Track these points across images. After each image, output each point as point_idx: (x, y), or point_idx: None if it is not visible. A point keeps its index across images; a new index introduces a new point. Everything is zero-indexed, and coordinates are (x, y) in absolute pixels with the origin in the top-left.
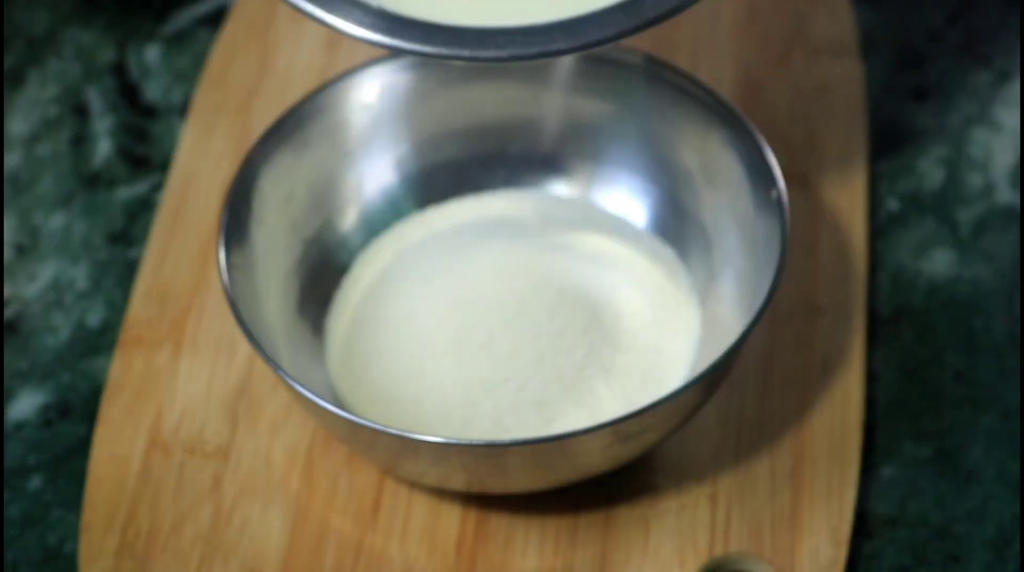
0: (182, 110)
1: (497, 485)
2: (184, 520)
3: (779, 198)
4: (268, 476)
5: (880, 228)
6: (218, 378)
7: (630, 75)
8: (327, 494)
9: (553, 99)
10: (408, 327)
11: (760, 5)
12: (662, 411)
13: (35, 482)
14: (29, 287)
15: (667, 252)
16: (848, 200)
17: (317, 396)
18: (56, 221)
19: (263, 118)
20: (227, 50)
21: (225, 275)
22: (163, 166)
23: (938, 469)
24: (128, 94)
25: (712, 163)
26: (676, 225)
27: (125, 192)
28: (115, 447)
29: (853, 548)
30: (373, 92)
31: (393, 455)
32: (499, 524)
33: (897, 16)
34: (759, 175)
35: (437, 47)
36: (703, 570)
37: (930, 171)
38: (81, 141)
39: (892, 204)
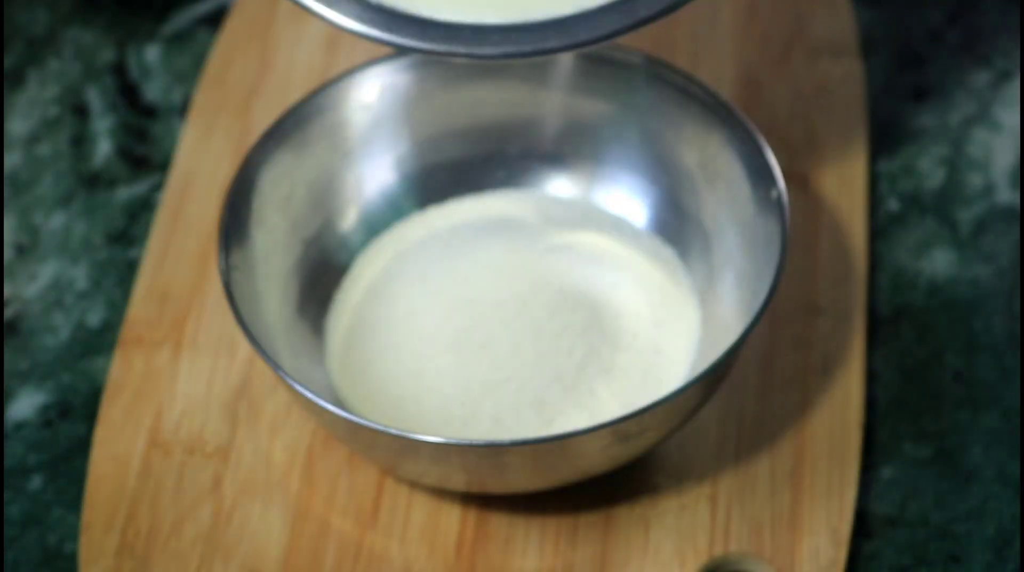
0: (182, 110)
1: (497, 485)
2: (184, 520)
3: (779, 198)
4: (268, 476)
5: (880, 228)
6: (218, 378)
7: (630, 75)
8: (327, 494)
9: (553, 99)
10: (408, 327)
11: (760, 5)
12: (662, 411)
13: (35, 482)
14: (29, 287)
15: (667, 252)
16: (848, 200)
17: (317, 396)
18: (56, 221)
19: (263, 118)
20: (227, 50)
21: (225, 275)
22: (163, 166)
23: (938, 469)
24: (128, 94)
25: (712, 163)
26: (676, 225)
27: (125, 192)
28: (115, 447)
29: (853, 548)
30: (373, 92)
31: (393, 455)
32: (499, 524)
33: (897, 16)
34: (759, 175)
35: (433, 44)
36: (703, 570)
37: (930, 171)
38: (81, 141)
39: (892, 204)
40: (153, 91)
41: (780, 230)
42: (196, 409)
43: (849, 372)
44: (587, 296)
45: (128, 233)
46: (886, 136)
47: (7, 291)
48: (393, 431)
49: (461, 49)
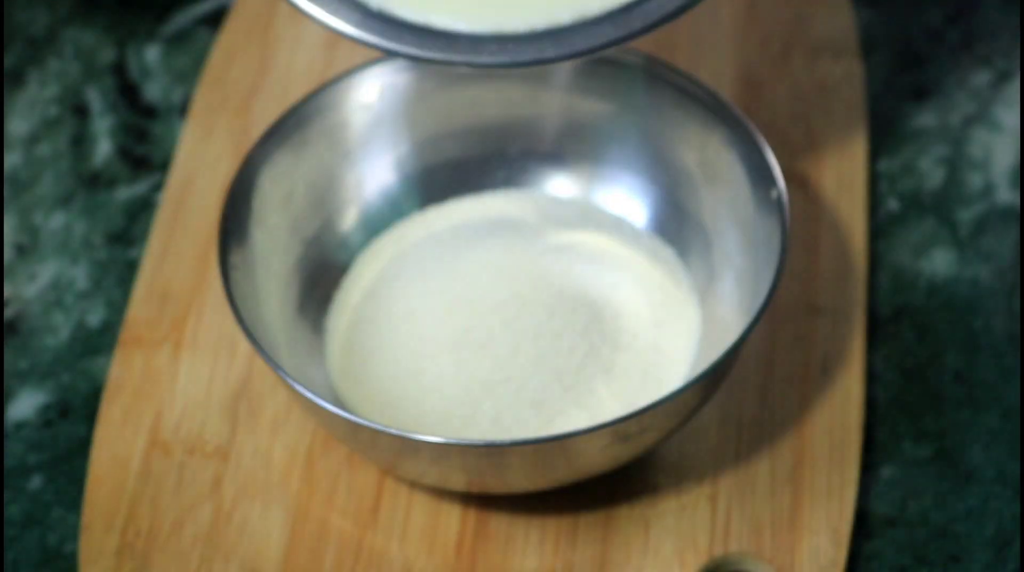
0: (182, 110)
1: (497, 485)
2: (184, 520)
3: (779, 198)
4: (268, 476)
5: (880, 228)
6: (218, 378)
7: (630, 75)
8: (327, 494)
9: (553, 99)
10: (408, 327)
11: (760, 5)
12: (662, 411)
13: (35, 482)
14: (29, 287)
15: (667, 252)
16: (848, 200)
17: (317, 396)
18: (56, 221)
19: (263, 118)
20: (227, 50)
21: (225, 275)
22: (163, 166)
23: (938, 469)
24: (128, 94)
25: (712, 163)
26: (676, 225)
27: (125, 192)
28: (115, 447)
29: (853, 548)
30: (373, 92)
31: (393, 455)
32: (499, 524)
33: (897, 16)
34: (759, 175)
35: (431, 52)
36: (703, 570)
37: (930, 171)
38: (81, 141)
39: (892, 204)
40: (153, 91)
41: (780, 230)
42: (196, 409)
43: (849, 372)
44: (587, 296)
45: (128, 233)
46: (886, 136)
47: (7, 291)
48: (393, 431)
49: (459, 58)
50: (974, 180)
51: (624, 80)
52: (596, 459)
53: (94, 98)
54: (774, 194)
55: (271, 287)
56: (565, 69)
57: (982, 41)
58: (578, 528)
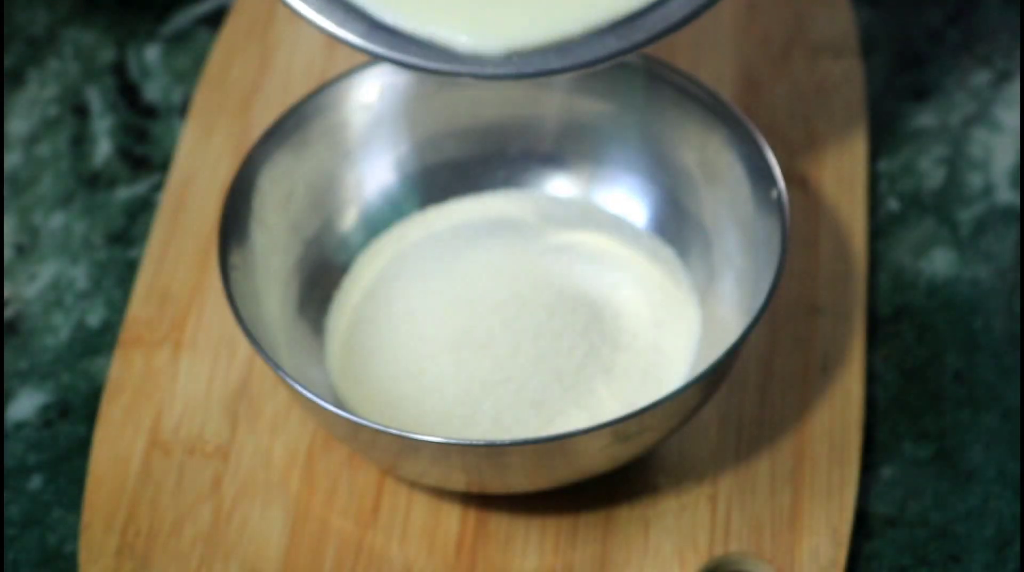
0: (182, 110)
1: (497, 485)
2: (184, 520)
3: (779, 198)
4: (268, 476)
5: (880, 228)
6: (218, 378)
7: (630, 75)
8: (327, 494)
9: (553, 99)
10: (408, 327)
11: (760, 5)
12: (662, 411)
13: (35, 482)
14: (29, 287)
15: (667, 252)
16: (848, 200)
17: (317, 396)
18: (56, 221)
19: (263, 118)
20: (227, 50)
21: (225, 275)
22: (163, 166)
23: (938, 469)
24: (128, 94)
25: (712, 163)
26: (676, 225)
27: (125, 192)
28: (115, 447)
29: (853, 548)
30: (373, 92)
31: (393, 455)
32: (499, 524)
33: (897, 16)
34: (759, 175)
35: (437, 63)
36: (703, 570)
37: (930, 171)
38: (81, 141)
39: (892, 204)
40: (153, 91)
41: (780, 230)
42: (196, 409)
43: (849, 372)
44: (587, 296)
45: (128, 233)
46: (886, 136)
47: (7, 291)
48: (393, 431)
49: (464, 69)
50: (974, 180)
51: (624, 80)
52: (596, 459)
53: (94, 98)
54: (774, 194)
55: (271, 287)
56: None
57: (982, 41)
58: (578, 528)
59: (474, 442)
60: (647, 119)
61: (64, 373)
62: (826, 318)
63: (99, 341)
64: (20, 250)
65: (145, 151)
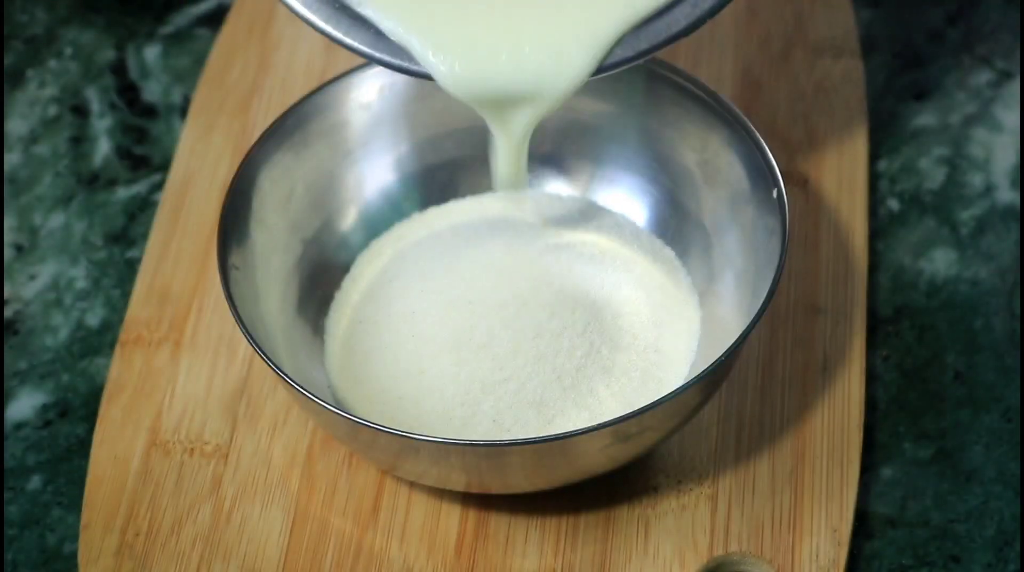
0: (182, 110)
1: (497, 485)
2: (184, 520)
3: (779, 198)
4: (268, 476)
5: (880, 228)
6: (218, 378)
7: (630, 75)
8: (327, 494)
9: None
10: (408, 327)
11: (760, 5)
12: (662, 411)
13: (35, 482)
14: (28, 287)
15: (667, 252)
16: (848, 200)
17: (317, 396)
18: (55, 221)
19: (263, 118)
20: (227, 50)
21: (225, 275)
22: (163, 166)
23: (938, 469)
24: (128, 94)
25: (712, 163)
26: (676, 225)
27: (125, 192)
28: (115, 447)
29: (853, 548)
30: (373, 92)
31: (393, 455)
32: (499, 524)
33: (897, 16)
34: (759, 175)
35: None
36: (703, 570)
37: (930, 171)
38: (80, 141)
39: (892, 204)
40: (153, 91)
41: (780, 230)
42: (196, 409)
43: (849, 372)
44: (587, 296)
45: (128, 233)
46: (886, 136)
47: (6, 291)
48: (393, 431)
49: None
50: (974, 180)
51: (624, 80)
52: (596, 459)
53: (93, 98)
54: (774, 194)
55: (271, 287)
56: None
57: (982, 41)
58: (578, 528)
59: (474, 442)
60: (647, 119)
61: (64, 373)
62: (826, 318)
63: (99, 341)
64: (19, 250)
65: (145, 151)
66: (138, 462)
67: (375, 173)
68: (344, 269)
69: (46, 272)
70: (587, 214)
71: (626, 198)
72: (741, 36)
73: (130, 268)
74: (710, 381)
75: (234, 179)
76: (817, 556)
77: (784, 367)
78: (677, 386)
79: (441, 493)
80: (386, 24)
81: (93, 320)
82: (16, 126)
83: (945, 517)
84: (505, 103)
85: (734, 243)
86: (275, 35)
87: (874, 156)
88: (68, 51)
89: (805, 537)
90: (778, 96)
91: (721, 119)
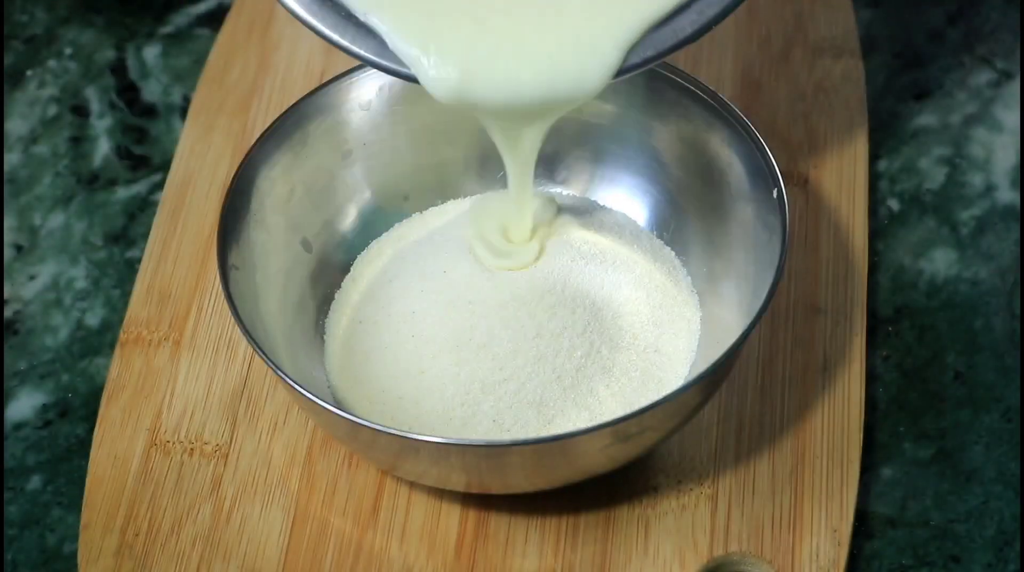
0: (182, 110)
1: (497, 485)
2: (184, 520)
3: (779, 198)
4: (268, 476)
5: (880, 228)
6: (218, 378)
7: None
8: (327, 494)
9: None
10: (408, 327)
11: (760, 5)
12: (662, 411)
13: (34, 482)
14: (28, 287)
15: (667, 252)
16: (848, 200)
17: (316, 396)
18: (55, 221)
19: (262, 118)
20: (226, 50)
21: (224, 275)
22: (162, 166)
23: (938, 469)
24: (127, 94)
25: (712, 163)
26: (676, 225)
27: (124, 192)
28: (114, 447)
29: (854, 548)
30: (372, 92)
31: (393, 455)
32: (499, 524)
33: (897, 16)
34: (759, 175)
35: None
36: (703, 570)
37: (930, 171)
38: (80, 141)
39: (892, 204)
40: (152, 91)
41: (780, 230)
42: (196, 409)
43: (849, 372)
44: (587, 296)
45: (127, 233)
46: (886, 136)
47: (6, 291)
48: (393, 431)
49: None
50: (974, 180)
51: (624, 80)
52: (596, 459)
53: (93, 98)
54: (774, 194)
55: (271, 287)
56: None
57: (983, 41)
58: (578, 528)
59: (474, 442)
60: (647, 119)
61: (63, 373)
62: (826, 318)
63: (98, 341)
64: (19, 250)
65: (144, 151)
66: (138, 462)
67: (375, 173)
68: (344, 269)
69: (46, 272)
70: (587, 214)
71: (626, 198)
72: (741, 36)
73: (130, 268)
74: (710, 381)
75: (234, 179)
76: (817, 556)
77: (784, 367)
78: (677, 386)
79: (441, 493)
80: (400, 48)
81: (93, 320)
82: (16, 126)
83: (945, 517)
84: (523, 115)
85: (734, 243)
86: (275, 35)
87: (874, 156)
88: (68, 51)
89: (805, 537)
90: (778, 96)
91: (721, 119)
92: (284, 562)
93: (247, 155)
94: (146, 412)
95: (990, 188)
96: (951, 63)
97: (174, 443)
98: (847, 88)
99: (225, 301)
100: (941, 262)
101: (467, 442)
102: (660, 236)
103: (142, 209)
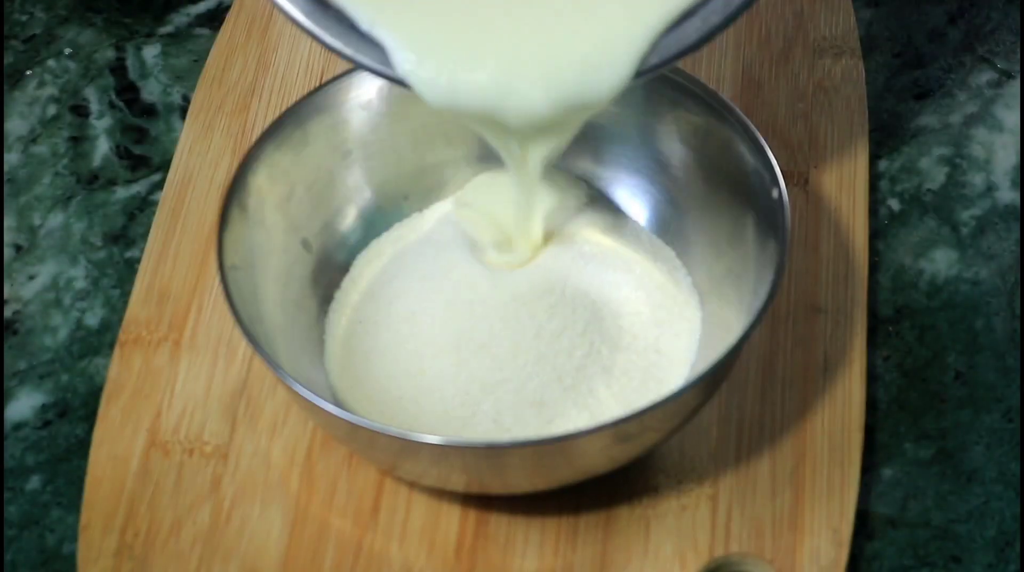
0: (181, 110)
1: (497, 485)
2: (183, 520)
3: (779, 198)
4: (267, 476)
5: (880, 228)
6: (218, 378)
7: None
8: (327, 494)
9: None
10: (408, 327)
11: (760, 5)
12: (662, 411)
13: (34, 482)
14: (28, 287)
15: (667, 252)
16: (848, 200)
17: (316, 396)
18: (55, 221)
19: (262, 118)
20: (226, 50)
21: (224, 275)
22: (162, 166)
23: (939, 469)
24: (127, 94)
25: (712, 163)
26: (676, 225)
27: (124, 192)
28: (114, 447)
29: (854, 548)
30: (372, 92)
31: (393, 455)
32: (499, 524)
33: (897, 16)
34: (759, 175)
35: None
36: (703, 571)
37: (931, 171)
38: (80, 141)
39: (892, 204)
40: (152, 91)
41: (780, 230)
42: (195, 409)
43: (850, 372)
44: (587, 296)
45: (127, 233)
46: (886, 136)
47: (6, 291)
48: (393, 431)
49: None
50: (975, 180)
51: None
52: (596, 459)
53: (93, 98)
54: (774, 194)
55: (271, 287)
56: None
57: (983, 41)
58: (578, 528)
59: (474, 442)
60: (647, 119)
61: (63, 373)
62: (826, 318)
63: (98, 341)
64: (18, 250)
65: (144, 151)
66: (137, 462)
67: (375, 173)
68: (344, 269)
69: (45, 272)
70: (587, 214)
71: (626, 198)
72: (741, 36)
73: (129, 268)
74: (710, 381)
75: (233, 179)
76: (818, 557)
77: (784, 367)
78: (677, 386)
79: (441, 493)
80: (405, 68)
81: (92, 320)
82: (15, 126)
83: (946, 517)
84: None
85: (734, 243)
86: (275, 35)
87: (874, 156)
88: (67, 51)
89: (806, 538)
90: (778, 96)
91: (721, 119)
92: (284, 562)
93: (247, 155)
94: (146, 412)
95: (991, 188)
96: (951, 63)
97: (174, 443)
98: (847, 88)
99: (225, 301)
100: (942, 262)
101: (467, 442)
102: (660, 236)
103: (142, 209)
